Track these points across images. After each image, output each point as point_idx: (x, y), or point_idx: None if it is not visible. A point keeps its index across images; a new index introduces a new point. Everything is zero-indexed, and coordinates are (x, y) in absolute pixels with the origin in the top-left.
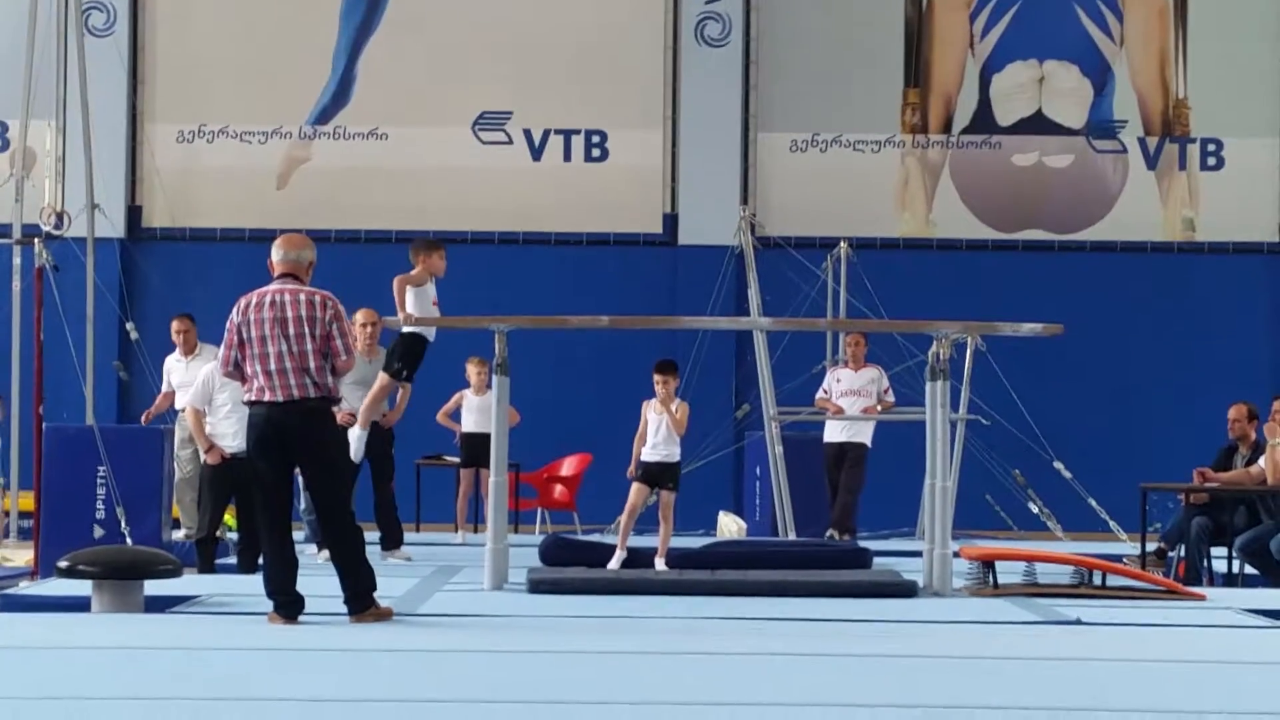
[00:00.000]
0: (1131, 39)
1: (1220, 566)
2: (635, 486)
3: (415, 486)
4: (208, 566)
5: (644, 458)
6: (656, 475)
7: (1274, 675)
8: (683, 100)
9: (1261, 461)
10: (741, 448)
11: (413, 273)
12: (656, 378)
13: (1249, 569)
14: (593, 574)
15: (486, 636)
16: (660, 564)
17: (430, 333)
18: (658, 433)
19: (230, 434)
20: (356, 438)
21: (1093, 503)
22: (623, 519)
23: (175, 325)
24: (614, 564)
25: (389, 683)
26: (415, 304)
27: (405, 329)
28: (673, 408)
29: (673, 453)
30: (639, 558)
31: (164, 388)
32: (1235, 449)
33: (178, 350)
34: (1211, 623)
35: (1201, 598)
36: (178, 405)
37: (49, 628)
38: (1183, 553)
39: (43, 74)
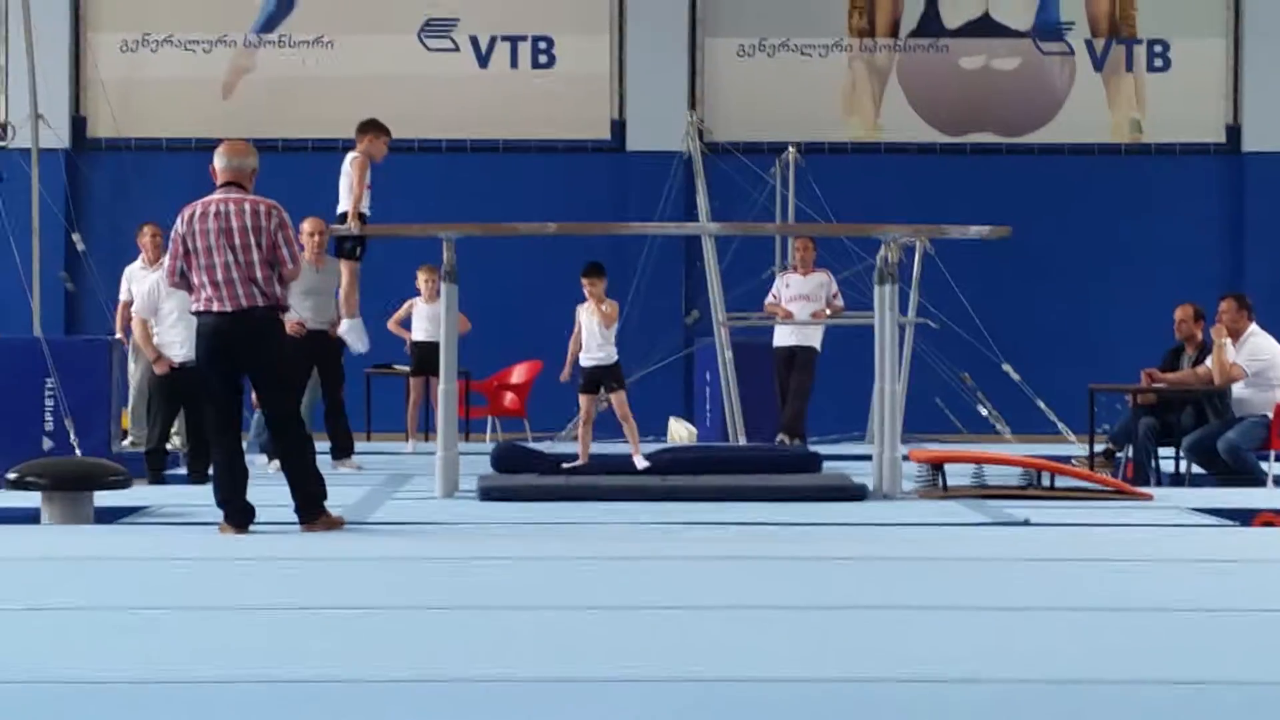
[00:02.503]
0: None
1: (1168, 466)
2: (582, 397)
3: (365, 395)
4: (157, 477)
5: (582, 363)
6: (598, 378)
7: (1221, 572)
8: (629, 5)
9: (1208, 362)
10: (691, 354)
11: (359, 152)
12: (584, 281)
13: (1196, 469)
14: (543, 481)
15: (438, 544)
16: (640, 462)
17: (367, 209)
18: (592, 337)
19: (178, 343)
20: (352, 328)
21: (1041, 404)
22: (579, 430)
23: (148, 231)
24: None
25: (340, 591)
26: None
27: (340, 208)
28: (602, 307)
29: (610, 353)
30: (606, 464)
31: (122, 296)
32: (1182, 350)
33: (141, 258)
34: (1159, 522)
35: (1149, 497)
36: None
37: None
38: (1130, 453)
39: None
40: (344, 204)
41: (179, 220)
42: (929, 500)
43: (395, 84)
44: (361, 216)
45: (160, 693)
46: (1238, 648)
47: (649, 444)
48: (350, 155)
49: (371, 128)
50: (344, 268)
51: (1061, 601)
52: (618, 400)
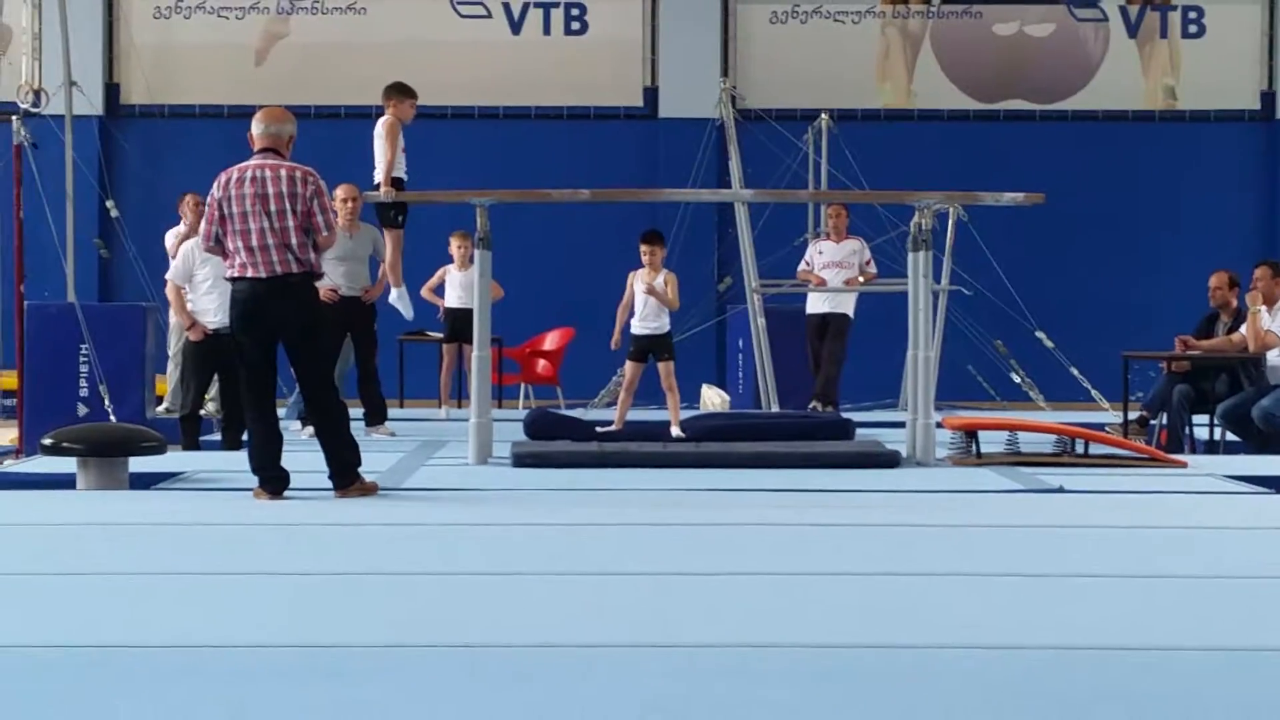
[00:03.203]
0: None
1: (1201, 434)
2: (629, 364)
3: (399, 362)
4: (192, 443)
5: (634, 330)
6: (648, 348)
7: (1254, 540)
8: None
9: (1243, 329)
10: (724, 321)
11: (388, 118)
12: (643, 247)
13: (1230, 436)
14: (576, 447)
15: (472, 510)
16: (676, 431)
17: (401, 170)
18: (646, 305)
19: (212, 310)
20: (400, 297)
21: (1075, 372)
22: (621, 395)
23: (190, 199)
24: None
25: (374, 557)
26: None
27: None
28: (660, 279)
29: (663, 324)
30: (641, 430)
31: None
32: (1217, 317)
33: (182, 224)
34: (1193, 489)
35: (1183, 465)
36: None
37: (34, 505)
38: (1164, 420)
39: None
40: (379, 172)
41: (215, 185)
42: (962, 467)
43: (427, 50)
44: (398, 181)
45: (195, 657)
46: (1274, 615)
47: (681, 411)
48: (381, 120)
49: (396, 91)
50: (388, 237)
51: (1096, 569)
52: (665, 370)
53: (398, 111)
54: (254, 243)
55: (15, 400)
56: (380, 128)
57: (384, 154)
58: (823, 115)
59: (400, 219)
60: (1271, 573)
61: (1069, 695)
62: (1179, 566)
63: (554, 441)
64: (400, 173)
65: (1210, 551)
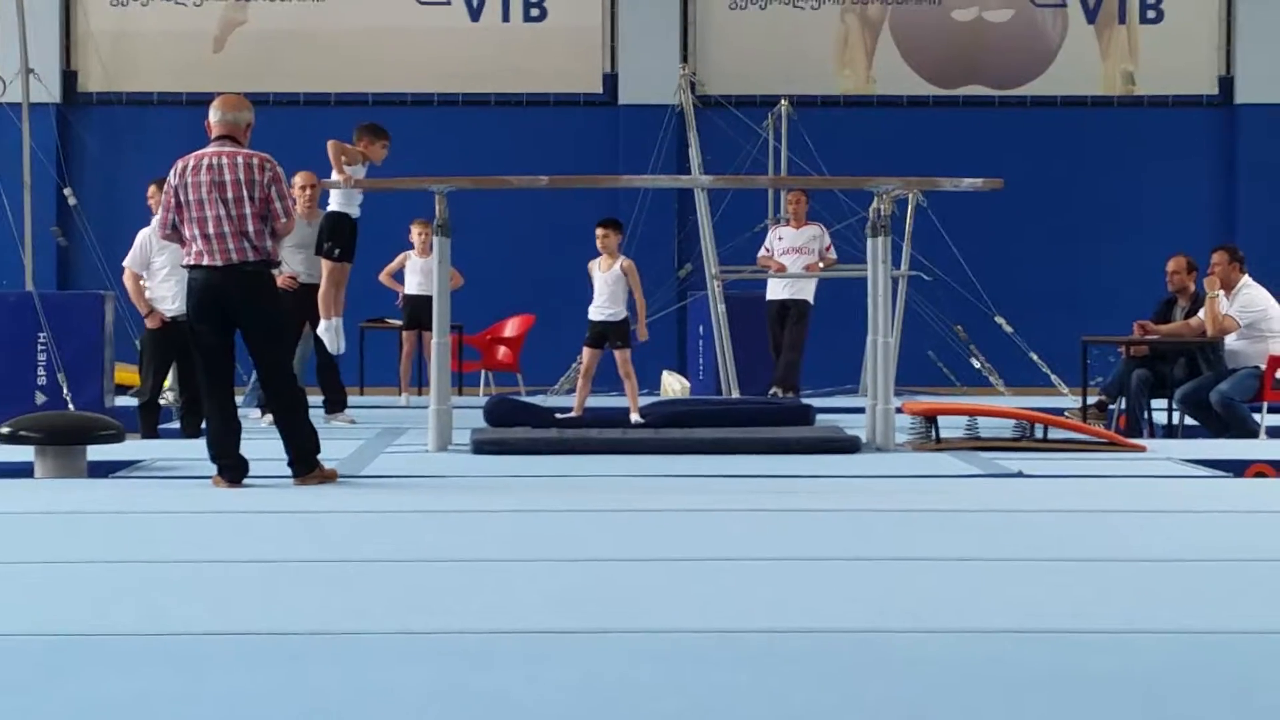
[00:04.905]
0: None
1: (1160, 418)
2: (586, 350)
3: (358, 349)
4: (151, 431)
5: (590, 316)
6: (603, 334)
7: (1211, 523)
8: None
9: (1201, 313)
10: (684, 307)
11: (350, 147)
12: (597, 231)
13: (1188, 420)
14: (536, 434)
15: (431, 497)
16: (635, 418)
17: (354, 210)
18: (601, 293)
19: (169, 297)
20: (328, 328)
21: (1034, 357)
22: (579, 382)
23: (157, 190)
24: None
25: (334, 544)
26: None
27: (330, 206)
28: (617, 267)
29: (617, 311)
30: (601, 416)
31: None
32: (1175, 301)
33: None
34: (1152, 473)
35: (1142, 449)
36: None
37: None
38: (1123, 405)
39: None
40: (333, 202)
41: (172, 173)
42: (922, 452)
43: (387, 37)
44: (344, 218)
45: (154, 645)
46: (1231, 597)
47: (641, 397)
48: (331, 143)
49: (368, 132)
50: (324, 267)
51: (1054, 553)
52: (621, 358)
53: (369, 151)
54: (210, 230)
55: None
56: (330, 150)
57: (336, 166)
58: (782, 101)
59: (336, 251)
60: (1229, 555)
61: (1029, 677)
62: (1137, 550)
63: (514, 428)
64: (354, 210)
65: (1168, 534)
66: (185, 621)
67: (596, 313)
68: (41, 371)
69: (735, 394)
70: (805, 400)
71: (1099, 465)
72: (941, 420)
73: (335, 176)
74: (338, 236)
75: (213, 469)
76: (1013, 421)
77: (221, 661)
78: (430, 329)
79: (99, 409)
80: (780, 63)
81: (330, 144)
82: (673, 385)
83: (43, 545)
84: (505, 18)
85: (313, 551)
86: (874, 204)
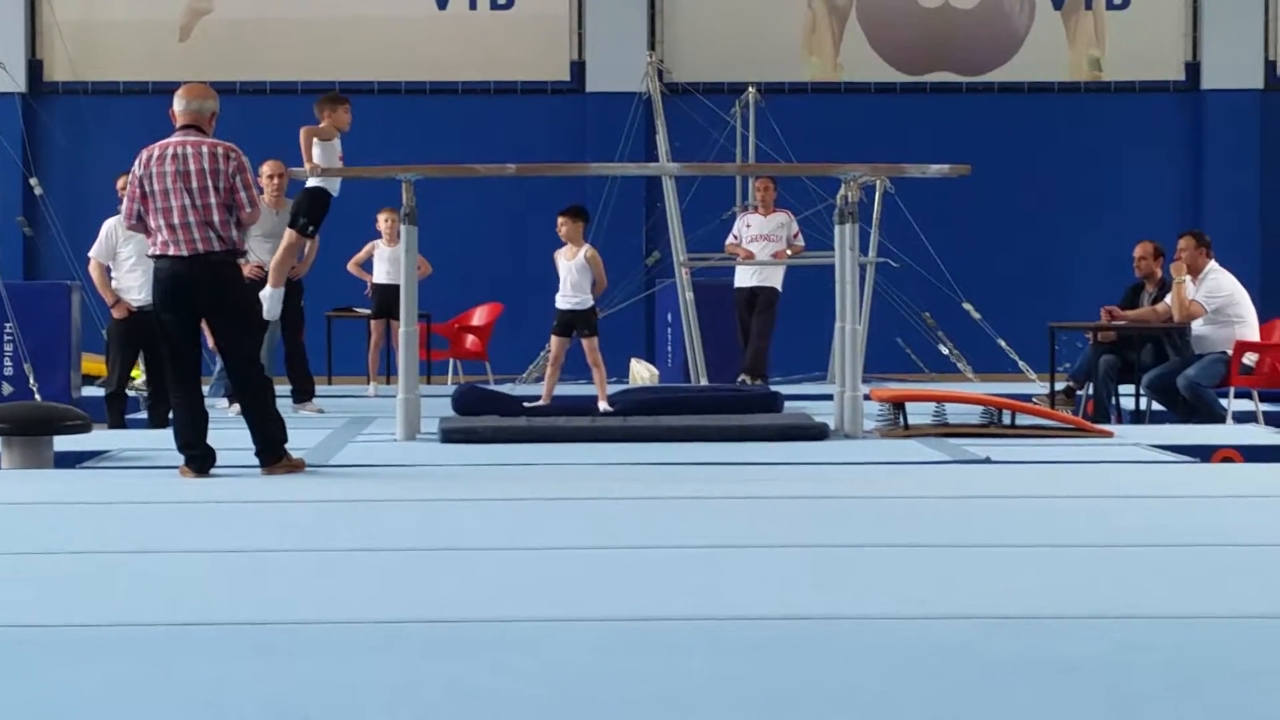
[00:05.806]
0: None
1: (1128, 404)
2: (554, 338)
3: (326, 338)
4: (118, 421)
5: (557, 305)
6: (570, 322)
7: (1179, 508)
8: None
9: (1168, 299)
10: (653, 295)
11: (319, 126)
12: (558, 220)
13: (1156, 405)
14: (504, 423)
15: (399, 486)
16: (603, 406)
17: (334, 187)
18: (566, 281)
19: (136, 287)
20: (270, 296)
21: (1002, 343)
22: (547, 370)
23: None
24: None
25: (302, 534)
26: (322, 156)
27: (310, 182)
28: (581, 255)
29: (583, 299)
30: (569, 405)
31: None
32: (1142, 287)
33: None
34: (1119, 458)
35: (1109, 434)
36: None
37: None
38: (1091, 391)
39: None
40: (313, 179)
41: (136, 163)
42: (890, 439)
43: (353, 25)
44: (323, 194)
45: (119, 636)
46: (1198, 582)
47: (611, 385)
48: (304, 130)
49: (328, 103)
50: (287, 236)
51: (1022, 538)
52: (589, 346)
53: (334, 120)
54: (175, 220)
55: None
56: (302, 138)
57: (306, 157)
58: (750, 88)
59: (310, 229)
60: (1195, 540)
61: (997, 662)
62: (1105, 535)
63: (482, 417)
64: (334, 188)
65: (1135, 520)
66: (152, 612)
67: (563, 301)
68: (8, 362)
69: (704, 382)
70: (773, 387)
71: (1066, 451)
72: (910, 407)
73: (306, 167)
74: (314, 213)
75: (180, 459)
76: (980, 408)
77: (188, 652)
78: (398, 317)
79: (66, 399)
80: (747, 49)
81: (303, 131)
82: (641, 373)
83: (8, 536)
84: (472, 5)
85: (280, 541)
86: (841, 191)
